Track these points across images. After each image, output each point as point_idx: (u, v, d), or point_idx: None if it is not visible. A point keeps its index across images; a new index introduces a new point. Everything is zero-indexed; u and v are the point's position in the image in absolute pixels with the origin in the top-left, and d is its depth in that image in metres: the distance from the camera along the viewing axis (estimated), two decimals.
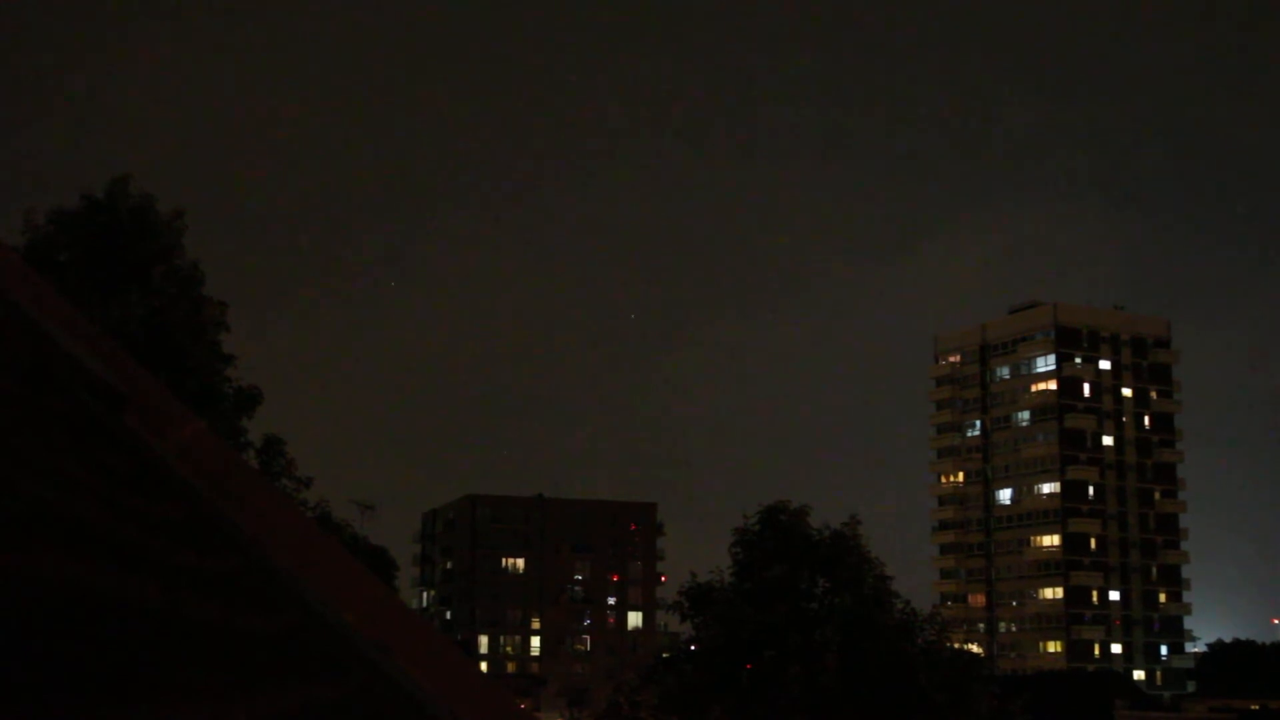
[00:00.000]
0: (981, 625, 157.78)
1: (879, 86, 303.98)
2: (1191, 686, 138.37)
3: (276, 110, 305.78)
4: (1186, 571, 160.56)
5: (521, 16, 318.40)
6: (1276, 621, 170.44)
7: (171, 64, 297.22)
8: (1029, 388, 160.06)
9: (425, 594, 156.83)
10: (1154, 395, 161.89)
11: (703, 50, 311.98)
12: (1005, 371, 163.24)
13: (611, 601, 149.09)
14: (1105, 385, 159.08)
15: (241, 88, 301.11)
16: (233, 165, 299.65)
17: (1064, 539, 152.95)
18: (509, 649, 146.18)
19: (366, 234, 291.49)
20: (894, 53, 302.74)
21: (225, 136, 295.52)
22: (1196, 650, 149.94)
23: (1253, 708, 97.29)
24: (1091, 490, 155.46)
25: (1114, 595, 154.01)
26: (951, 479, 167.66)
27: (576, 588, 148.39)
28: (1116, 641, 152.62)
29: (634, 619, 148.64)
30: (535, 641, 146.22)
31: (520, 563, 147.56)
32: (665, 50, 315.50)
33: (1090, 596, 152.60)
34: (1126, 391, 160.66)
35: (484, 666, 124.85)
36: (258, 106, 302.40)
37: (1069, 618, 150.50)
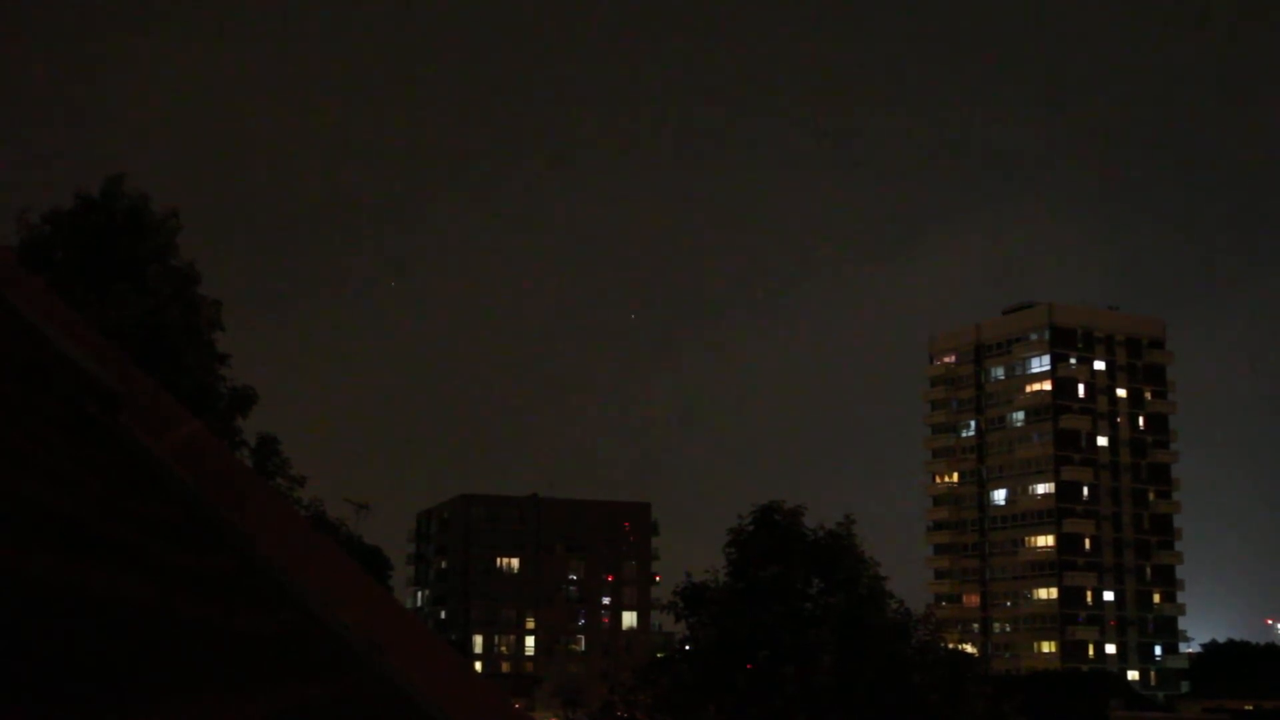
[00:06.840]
0: (976, 625, 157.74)
1: (876, 88, 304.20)
2: (1185, 687, 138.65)
3: (275, 110, 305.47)
4: (1180, 572, 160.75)
5: (522, 18, 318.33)
6: (1270, 622, 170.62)
7: (170, 64, 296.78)
8: (1024, 388, 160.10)
9: (420, 594, 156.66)
10: (1148, 396, 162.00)
11: (702, 51, 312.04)
12: (1000, 372, 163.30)
13: (606, 601, 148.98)
14: (1100, 386, 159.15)
15: (240, 88, 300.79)
16: (230, 165, 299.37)
17: (1058, 539, 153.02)
18: (504, 649, 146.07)
19: (364, 234, 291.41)
20: (892, 55, 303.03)
21: (223, 136, 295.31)
22: (1190, 651, 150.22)
23: (1246, 708, 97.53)
24: (1086, 491, 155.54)
25: (1108, 596, 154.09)
26: (946, 479, 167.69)
27: (571, 588, 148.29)
28: (1111, 642, 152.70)
29: (629, 619, 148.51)
30: (530, 641, 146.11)
31: (515, 562, 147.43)
32: (664, 51, 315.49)
33: (1085, 597, 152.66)
34: (1121, 392, 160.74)
35: (478, 666, 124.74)
36: (256, 106, 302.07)
37: (1063, 618, 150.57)
